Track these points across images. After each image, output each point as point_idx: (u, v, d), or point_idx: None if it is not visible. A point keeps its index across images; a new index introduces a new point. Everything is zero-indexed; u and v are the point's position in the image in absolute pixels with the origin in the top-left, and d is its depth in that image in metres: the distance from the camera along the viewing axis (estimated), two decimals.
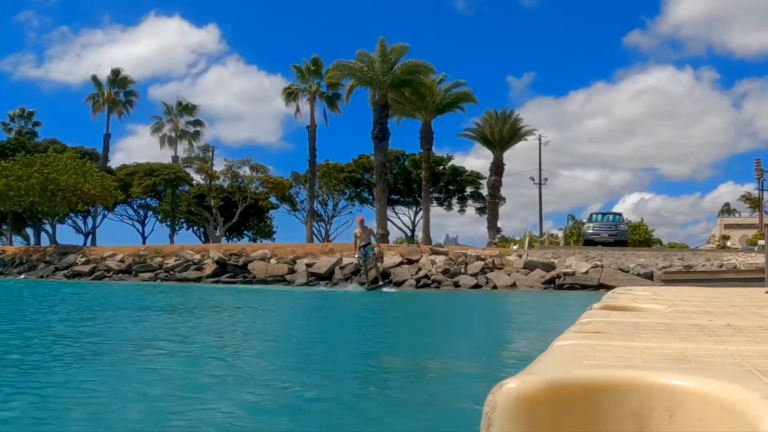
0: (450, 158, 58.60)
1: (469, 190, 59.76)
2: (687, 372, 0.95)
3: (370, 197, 56.21)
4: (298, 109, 51.72)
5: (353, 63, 43.03)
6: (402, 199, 59.64)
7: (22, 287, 25.42)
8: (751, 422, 0.78)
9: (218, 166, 55.90)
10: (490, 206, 50.04)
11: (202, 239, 57.16)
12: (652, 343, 1.25)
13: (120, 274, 35.05)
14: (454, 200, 60.29)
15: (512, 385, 0.88)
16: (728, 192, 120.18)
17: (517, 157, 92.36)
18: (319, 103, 51.18)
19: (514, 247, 38.66)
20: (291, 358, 7.56)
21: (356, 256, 27.49)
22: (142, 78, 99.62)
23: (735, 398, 0.83)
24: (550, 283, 28.14)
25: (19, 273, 38.15)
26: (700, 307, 2.25)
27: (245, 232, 61.93)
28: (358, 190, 59.97)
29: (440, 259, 31.55)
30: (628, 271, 27.45)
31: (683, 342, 1.27)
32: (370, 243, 25.97)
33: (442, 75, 46.29)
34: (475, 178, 58.75)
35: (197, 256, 34.94)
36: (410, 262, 31.49)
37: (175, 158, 60.00)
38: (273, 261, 33.13)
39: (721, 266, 26.67)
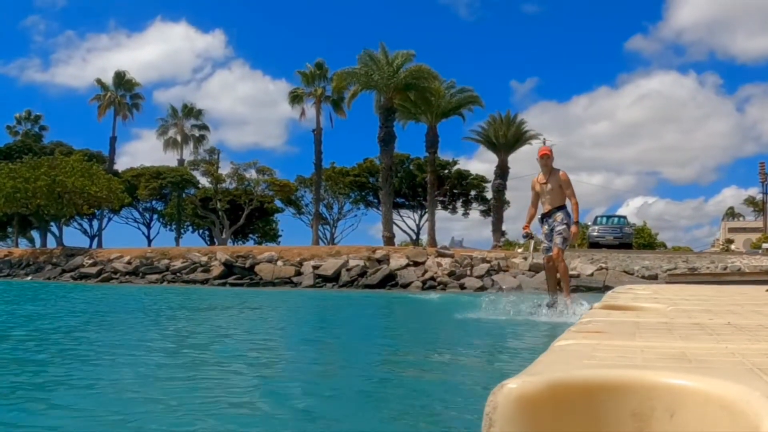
0: (455, 162, 58.73)
1: (473, 193, 59.77)
2: (688, 371, 0.95)
3: (375, 201, 56.27)
4: (303, 112, 51.91)
5: (358, 68, 43.08)
6: (407, 203, 59.69)
7: (54, 289, 25.16)
8: (751, 421, 0.79)
9: (224, 170, 56.10)
10: (495, 209, 50.04)
11: (208, 242, 57.28)
12: (653, 342, 1.25)
13: (127, 276, 35.09)
14: (459, 204, 60.31)
15: (513, 386, 0.88)
16: (732, 196, 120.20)
17: (521, 161, 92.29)
18: (324, 107, 51.30)
19: (519, 250, 38.64)
20: None
21: (526, 240, 13.22)
22: (148, 83, 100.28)
23: (736, 397, 0.83)
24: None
25: (26, 274, 38.23)
26: (701, 306, 2.25)
27: (250, 235, 62.04)
28: (363, 193, 60.02)
29: (446, 262, 31.54)
30: (632, 273, 27.41)
31: (684, 341, 1.27)
32: (563, 207, 11.55)
33: (451, 81, 46.42)
34: (479, 181, 58.79)
35: (204, 258, 34.98)
36: (416, 264, 31.48)
37: (181, 161, 60.14)
38: (280, 263, 33.15)
39: (725, 268, 26.61)
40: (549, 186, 11.42)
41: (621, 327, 1.50)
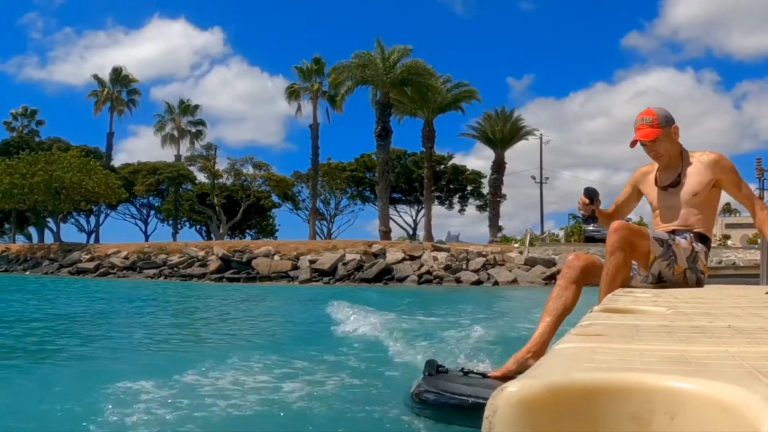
0: (450, 156, 58.70)
1: (469, 188, 59.72)
2: (687, 374, 0.95)
3: (372, 196, 56.24)
4: (299, 108, 51.86)
5: (354, 63, 43.11)
6: (403, 198, 59.64)
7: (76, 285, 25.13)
8: (751, 424, 0.79)
9: (221, 166, 56.10)
10: (492, 204, 50.08)
11: (205, 238, 57.21)
12: (653, 345, 1.25)
13: (124, 271, 35.09)
14: (455, 199, 60.25)
15: (513, 389, 0.89)
16: None
17: (518, 157, 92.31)
18: (321, 103, 51.27)
19: (516, 245, 38.70)
20: None
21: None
22: (146, 80, 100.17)
23: (735, 400, 0.83)
24: (550, 279, 28.19)
25: (24, 270, 38.27)
26: (701, 309, 2.25)
27: (247, 230, 61.99)
28: (360, 188, 59.97)
29: (442, 256, 31.59)
30: None
31: (684, 344, 1.27)
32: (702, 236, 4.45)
33: (447, 76, 46.39)
34: (476, 177, 58.74)
35: (201, 253, 34.98)
36: (412, 258, 31.52)
37: (178, 157, 60.03)
38: (276, 258, 33.17)
39: (720, 262, 26.74)
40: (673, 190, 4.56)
41: (620, 330, 1.51)
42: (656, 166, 4.58)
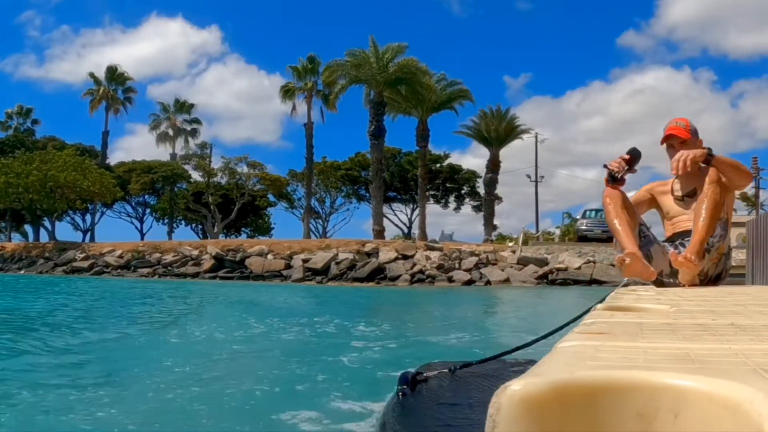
0: (447, 156, 58.69)
1: (465, 188, 59.74)
2: (691, 372, 0.95)
3: (367, 194, 56.25)
4: (294, 107, 51.87)
5: (348, 61, 43.11)
6: (399, 197, 59.67)
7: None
8: (755, 421, 0.79)
9: (216, 164, 56.14)
10: (487, 203, 50.07)
11: (200, 236, 57.20)
12: (656, 343, 1.25)
13: (119, 270, 35.06)
14: (451, 198, 60.26)
15: (516, 387, 0.88)
16: None
17: (514, 156, 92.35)
18: (316, 102, 51.26)
19: (510, 244, 38.74)
20: None
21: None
22: (144, 78, 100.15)
23: (739, 397, 0.83)
24: (543, 278, 28.26)
25: (19, 269, 38.20)
26: (704, 307, 2.26)
27: (243, 229, 61.99)
28: (355, 187, 59.98)
29: (435, 255, 31.59)
30: None
31: (687, 342, 1.27)
32: None
33: (441, 74, 46.40)
34: (471, 176, 58.75)
35: (195, 252, 34.96)
36: (405, 257, 31.51)
37: (173, 156, 59.99)
38: (270, 257, 33.14)
39: None
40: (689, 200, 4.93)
41: (624, 328, 1.51)
42: (671, 182, 4.82)
